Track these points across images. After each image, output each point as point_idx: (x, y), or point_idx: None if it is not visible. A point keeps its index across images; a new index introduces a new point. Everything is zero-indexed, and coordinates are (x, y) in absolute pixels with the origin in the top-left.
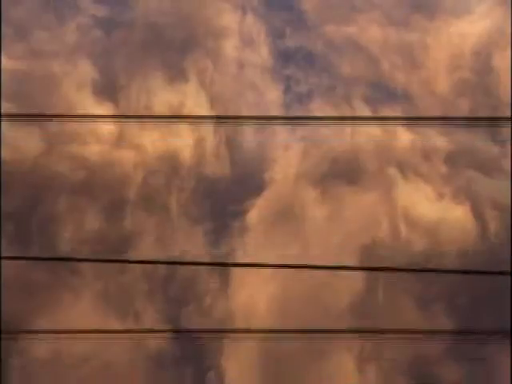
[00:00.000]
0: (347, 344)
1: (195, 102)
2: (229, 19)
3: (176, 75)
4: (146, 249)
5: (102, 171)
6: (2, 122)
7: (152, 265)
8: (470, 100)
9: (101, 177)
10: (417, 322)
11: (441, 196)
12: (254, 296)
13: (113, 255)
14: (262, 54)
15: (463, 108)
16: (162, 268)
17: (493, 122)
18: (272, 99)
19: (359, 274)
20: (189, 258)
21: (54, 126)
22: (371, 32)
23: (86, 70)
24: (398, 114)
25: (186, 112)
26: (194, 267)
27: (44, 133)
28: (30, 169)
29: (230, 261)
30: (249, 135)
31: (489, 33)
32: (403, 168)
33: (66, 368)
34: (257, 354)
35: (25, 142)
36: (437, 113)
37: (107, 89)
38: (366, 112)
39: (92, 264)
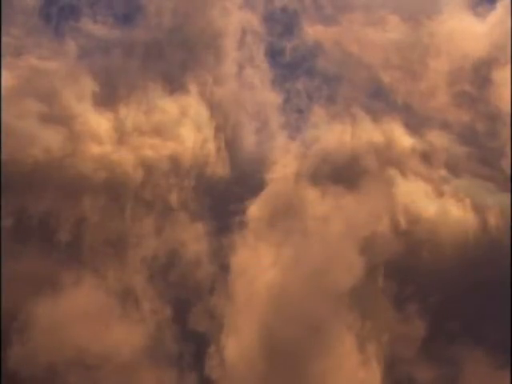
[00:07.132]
0: (347, 322)
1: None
2: (229, 30)
3: (177, 87)
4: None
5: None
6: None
7: (152, 254)
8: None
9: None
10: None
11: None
12: (254, 282)
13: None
14: (262, 65)
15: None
16: (161, 257)
17: None
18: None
19: (359, 261)
20: (189, 250)
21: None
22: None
23: (87, 83)
24: (398, 120)
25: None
26: (194, 254)
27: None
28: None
29: (231, 252)
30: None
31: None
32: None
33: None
34: (256, 331)
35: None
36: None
37: (108, 100)
38: (365, 119)
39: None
